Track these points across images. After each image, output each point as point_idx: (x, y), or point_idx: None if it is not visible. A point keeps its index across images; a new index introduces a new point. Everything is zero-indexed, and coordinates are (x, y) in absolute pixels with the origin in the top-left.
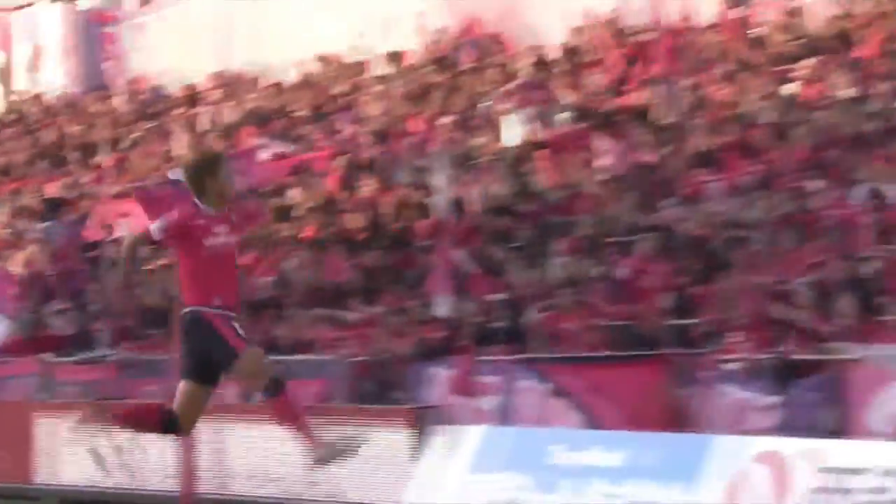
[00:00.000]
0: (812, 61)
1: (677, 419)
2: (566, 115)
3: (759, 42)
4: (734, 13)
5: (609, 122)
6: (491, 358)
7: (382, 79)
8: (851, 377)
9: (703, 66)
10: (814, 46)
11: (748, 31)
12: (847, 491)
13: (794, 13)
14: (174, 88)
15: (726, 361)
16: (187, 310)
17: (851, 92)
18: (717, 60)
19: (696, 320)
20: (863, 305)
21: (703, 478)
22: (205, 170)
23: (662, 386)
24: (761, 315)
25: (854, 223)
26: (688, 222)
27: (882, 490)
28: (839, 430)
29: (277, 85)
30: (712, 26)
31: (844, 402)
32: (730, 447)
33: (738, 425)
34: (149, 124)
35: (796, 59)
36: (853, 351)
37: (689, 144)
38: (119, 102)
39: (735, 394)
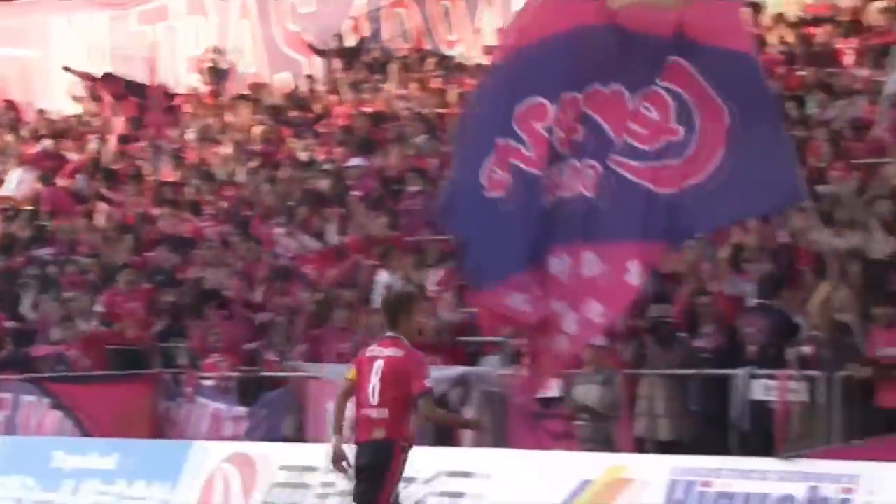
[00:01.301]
0: (263, 128)
1: (164, 427)
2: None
3: (230, 109)
4: (208, 87)
5: (112, 179)
6: (0, 377)
7: None
8: (308, 391)
9: (186, 130)
10: (277, 115)
11: (220, 102)
12: (304, 486)
13: (259, 87)
14: None
15: (206, 378)
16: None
17: (305, 155)
18: (196, 126)
19: (181, 344)
20: (308, 331)
21: (184, 477)
22: (403, 307)
23: (151, 399)
24: (236, 339)
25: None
26: (173, 260)
27: (332, 484)
28: (298, 435)
29: None
30: (191, 96)
31: (302, 411)
32: (206, 450)
33: (214, 432)
34: None
35: (261, 124)
36: (309, 368)
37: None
38: None
39: (212, 406)
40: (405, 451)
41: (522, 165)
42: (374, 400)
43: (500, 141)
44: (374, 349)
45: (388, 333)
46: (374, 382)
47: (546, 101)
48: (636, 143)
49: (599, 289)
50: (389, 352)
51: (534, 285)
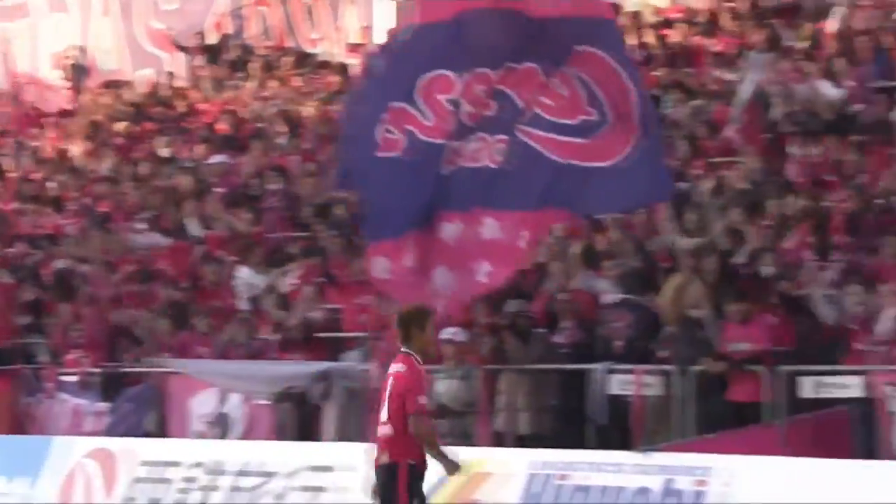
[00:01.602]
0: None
1: (24, 423)
2: None
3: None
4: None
5: None
6: None
7: None
8: (170, 386)
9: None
10: (139, 111)
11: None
12: (165, 481)
13: (120, 84)
14: None
15: (66, 374)
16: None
17: (167, 152)
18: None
19: (42, 339)
20: (178, 326)
21: (45, 473)
22: (414, 322)
23: (11, 395)
24: (98, 335)
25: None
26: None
27: (193, 479)
28: (160, 430)
29: None
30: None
31: (164, 407)
32: (66, 446)
33: (75, 428)
34: None
35: (122, 120)
36: (172, 364)
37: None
38: None
39: (73, 401)
40: (412, 469)
41: (418, 133)
42: (383, 417)
43: (395, 105)
44: (391, 367)
45: (402, 349)
46: (385, 400)
47: (450, 74)
48: (546, 115)
49: (493, 252)
50: (397, 368)
51: (407, 253)
